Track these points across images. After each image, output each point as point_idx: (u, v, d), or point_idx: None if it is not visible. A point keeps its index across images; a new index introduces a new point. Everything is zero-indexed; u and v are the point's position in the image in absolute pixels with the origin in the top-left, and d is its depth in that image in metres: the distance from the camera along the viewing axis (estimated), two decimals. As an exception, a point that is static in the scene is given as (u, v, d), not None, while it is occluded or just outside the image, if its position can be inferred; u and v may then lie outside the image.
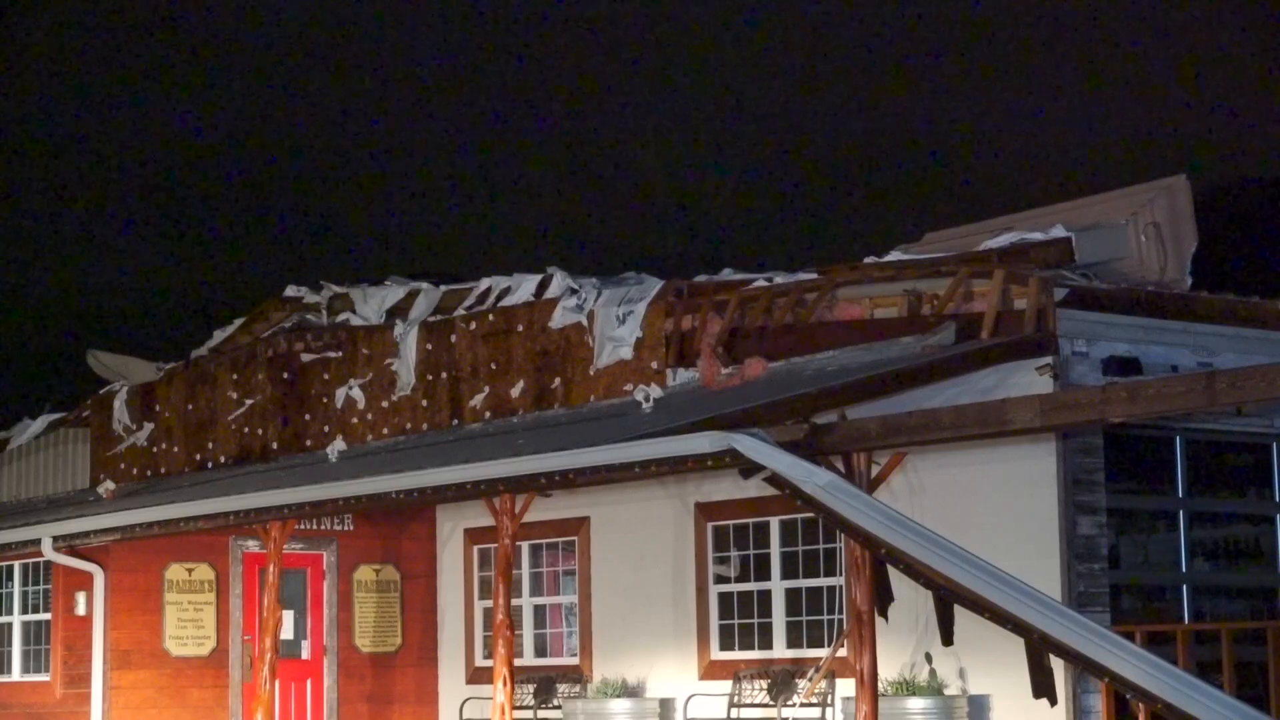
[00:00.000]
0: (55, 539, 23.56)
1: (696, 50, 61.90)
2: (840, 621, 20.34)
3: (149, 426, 29.53)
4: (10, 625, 25.34)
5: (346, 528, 24.87)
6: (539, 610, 24.23)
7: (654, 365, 22.57)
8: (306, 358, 27.03)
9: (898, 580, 16.38)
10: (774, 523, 21.28)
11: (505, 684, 19.66)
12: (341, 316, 27.54)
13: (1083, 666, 14.93)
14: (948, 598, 15.47)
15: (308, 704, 24.47)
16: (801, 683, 20.29)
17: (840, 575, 20.43)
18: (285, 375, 27.36)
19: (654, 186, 47.09)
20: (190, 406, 28.83)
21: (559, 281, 24.33)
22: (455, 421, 24.87)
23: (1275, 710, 17.79)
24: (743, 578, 21.67)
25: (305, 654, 24.57)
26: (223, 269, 57.87)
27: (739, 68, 60.65)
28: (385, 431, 25.73)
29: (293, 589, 24.24)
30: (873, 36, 61.78)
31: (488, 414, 24.44)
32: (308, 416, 26.91)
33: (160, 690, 23.45)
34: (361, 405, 26.11)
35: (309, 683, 24.54)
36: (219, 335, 29.41)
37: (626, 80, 59.36)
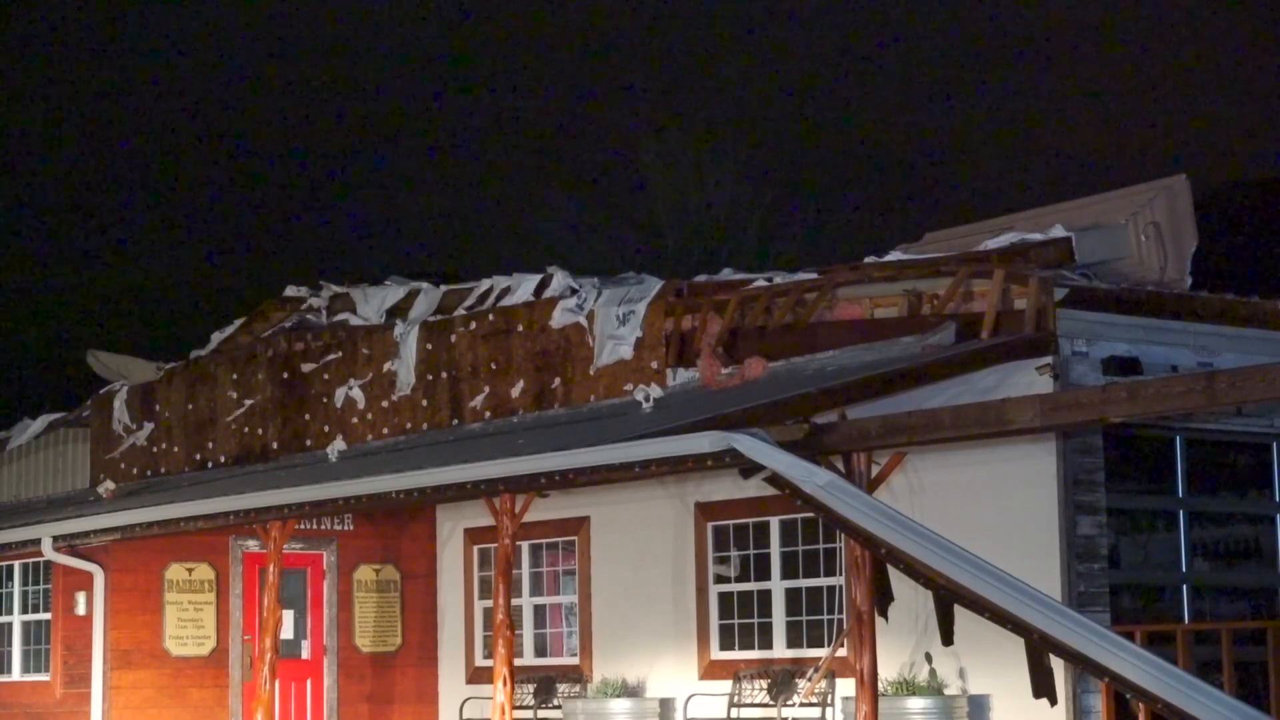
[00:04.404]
0: (55, 539, 23.56)
1: (697, 51, 61.93)
2: (840, 621, 20.34)
3: (149, 426, 29.53)
4: (10, 625, 25.34)
5: (346, 528, 24.87)
6: (539, 610, 24.23)
7: (654, 365, 22.57)
8: (306, 368, 27.01)
9: (898, 580, 16.38)
10: (774, 523, 21.28)
11: (505, 684, 19.65)
12: (341, 316, 27.53)
13: (1083, 666, 14.93)
14: (948, 598, 15.47)
15: (308, 704, 24.47)
16: (801, 682, 20.28)
17: (840, 575, 20.43)
18: (285, 375, 27.36)
19: (654, 186, 47.08)
20: (190, 406, 28.84)
21: (559, 281, 24.33)
22: (455, 421, 24.87)
23: (1275, 710, 17.78)
24: (743, 578, 21.67)
25: (305, 654, 24.57)
26: (223, 269, 57.91)
27: (740, 68, 60.69)
28: (385, 431, 25.73)
29: (293, 589, 24.24)
30: (873, 38, 61.83)
31: (488, 414, 24.44)
32: (308, 416, 26.92)
33: (160, 690, 23.45)
34: (361, 405, 26.12)
35: (309, 683, 24.54)
36: (219, 335, 29.41)
37: (627, 81, 59.38)
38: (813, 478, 15.78)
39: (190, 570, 23.85)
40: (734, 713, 20.99)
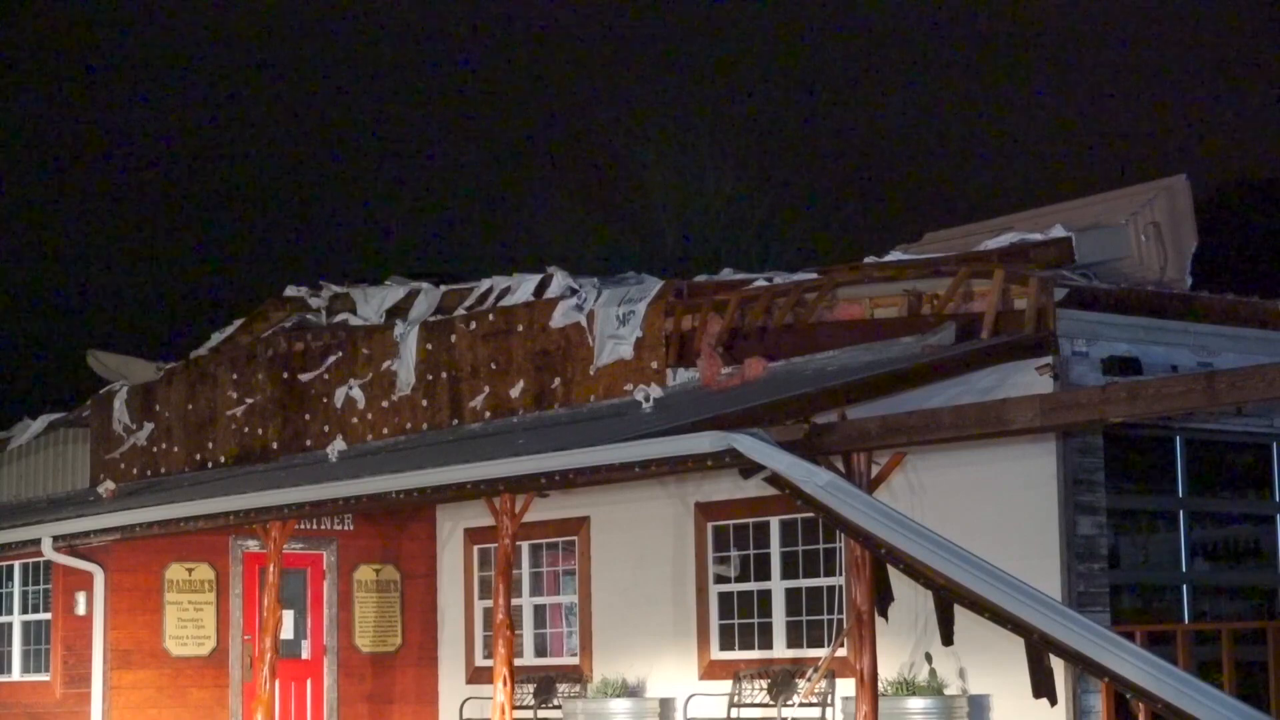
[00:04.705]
0: (55, 539, 23.56)
1: (697, 50, 61.92)
2: (840, 621, 20.34)
3: (149, 426, 29.53)
4: (10, 625, 25.34)
5: (346, 528, 24.87)
6: (539, 610, 24.23)
7: (654, 365, 22.57)
8: (306, 369, 27.00)
9: (898, 580, 16.38)
10: (774, 523, 21.28)
11: (505, 684, 19.65)
12: (341, 316, 27.54)
13: (1083, 666, 14.93)
14: (948, 598, 15.47)
15: (308, 704, 24.48)
16: (801, 682, 20.28)
17: (840, 575, 20.44)
18: (285, 375, 27.37)
19: (654, 186, 47.08)
20: (190, 406, 28.84)
21: (559, 281, 24.33)
22: (455, 421, 24.87)
23: (1275, 710, 17.79)
24: (743, 578, 21.67)
25: (305, 654, 24.57)
26: (223, 269, 57.90)
27: (739, 68, 60.68)
28: (385, 431, 25.73)
29: (293, 589, 24.24)
30: (873, 37, 61.82)
31: (488, 414, 24.44)
32: (308, 416, 26.92)
33: (160, 690, 23.45)
34: (361, 405, 26.12)
35: (309, 683, 24.54)
36: (219, 335, 29.41)
37: (627, 80, 59.36)
38: (813, 478, 15.77)
39: (190, 570, 23.85)
40: (734, 713, 20.99)
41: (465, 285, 26.14)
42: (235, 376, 28.15)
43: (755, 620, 21.50)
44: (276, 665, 22.22)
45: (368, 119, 65.19)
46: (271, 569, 22.11)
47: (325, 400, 26.67)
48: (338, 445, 24.48)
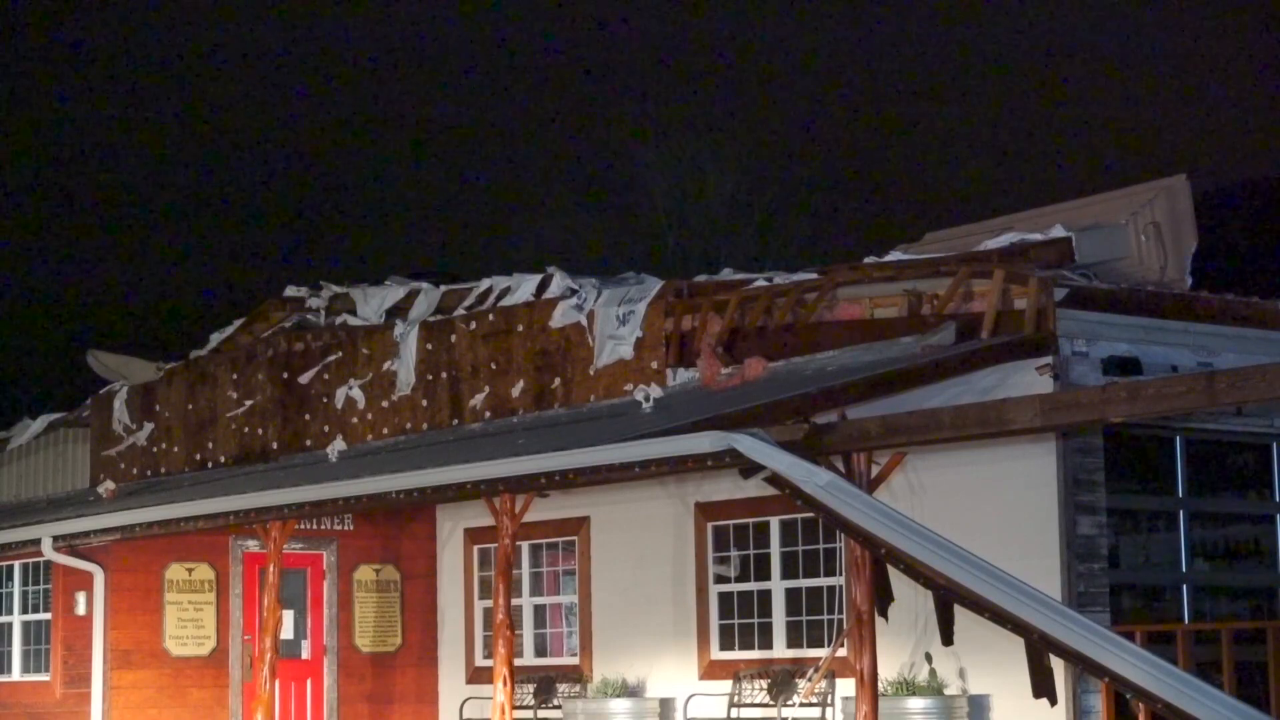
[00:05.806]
0: (55, 539, 23.56)
1: (697, 50, 61.93)
2: (840, 621, 20.34)
3: (149, 426, 29.53)
4: (10, 625, 25.34)
5: (346, 528, 24.87)
6: (539, 610, 24.23)
7: (654, 365, 22.57)
8: (306, 369, 26.99)
9: (898, 580, 16.38)
10: (774, 523, 21.28)
11: (505, 684, 19.65)
12: (341, 316, 27.53)
13: (1083, 666, 14.93)
14: (948, 598, 15.47)
15: (308, 704, 24.47)
16: (801, 682, 20.28)
17: (840, 575, 20.44)
18: (285, 375, 27.37)
19: (654, 186, 47.09)
20: (190, 406, 28.84)
21: (559, 281, 24.33)
22: (455, 421, 24.87)
23: (1275, 710, 17.79)
24: (743, 578, 21.67)
25: (305, 654, 24.57)
26: (223, 269, 57.93)
27: (739, 68, 60.69)
28: (385, 431, 25.73)
29: (293, 589, 24.23)
30: (873, 37, 61.82)
31: (488, 414, 24.44)
32: (308, 416, 26.92)
33: (160, 690, 23.45)
34: (361, 405, 26.12)
35: (309, 683, 24.54)
36: (219, 335, 29.41)
37: (627, 80, 59.38)
38: (813, 478, 15.77)
39: (190, 570, 23.85)
40: (734, 713, 20.99)
41: (465, 285, 26.14)
42: (235, 376, 28.15)
43: (755, 620, 21.50)
44: (276, 665, 22.21)
45: (368, 120, 65.20)
46: (271, 569, 22.11)
47: (325, 400, 26.68)
48: (338, 445, 24.48)
